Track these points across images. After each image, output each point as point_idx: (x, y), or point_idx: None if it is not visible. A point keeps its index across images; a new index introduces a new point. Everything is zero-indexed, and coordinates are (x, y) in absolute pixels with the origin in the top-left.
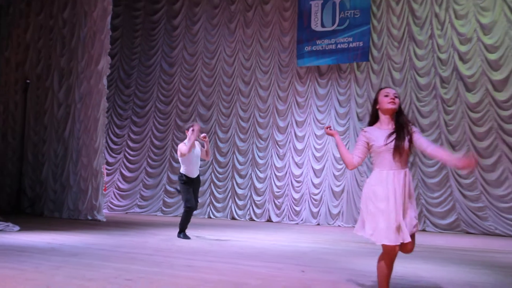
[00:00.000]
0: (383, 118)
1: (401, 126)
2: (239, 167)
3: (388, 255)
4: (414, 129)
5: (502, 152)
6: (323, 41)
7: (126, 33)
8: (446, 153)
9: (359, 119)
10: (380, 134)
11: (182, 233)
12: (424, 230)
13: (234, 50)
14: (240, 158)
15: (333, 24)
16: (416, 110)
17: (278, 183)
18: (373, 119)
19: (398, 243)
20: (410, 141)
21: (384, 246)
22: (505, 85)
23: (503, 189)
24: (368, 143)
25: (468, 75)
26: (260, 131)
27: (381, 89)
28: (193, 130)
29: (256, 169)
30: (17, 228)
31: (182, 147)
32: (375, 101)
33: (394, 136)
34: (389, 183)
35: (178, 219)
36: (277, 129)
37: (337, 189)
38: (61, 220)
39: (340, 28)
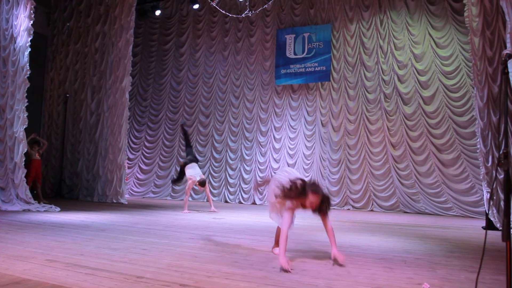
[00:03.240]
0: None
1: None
2: (230, 162)
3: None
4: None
5: (430, 151)
6: (295, 66)
7: (144, 59)
8: (331, 238)
9: (322, 125)
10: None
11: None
12: (372, 210)
13: (227, 72)
14: (231, 155)
15: (303, 53)
16: (366, 118)
17: (261, 174)
18: (301, 193)
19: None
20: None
21: None
22: (432, 100)
23: (431, 179)
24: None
25: (404, 92)
26: (247, 134)
27: (313, 190)
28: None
29: (243, 163)
30: (58, 209)
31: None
32: (304, 189)
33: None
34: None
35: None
36: (260, 133)
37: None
38: (93, 203)
39: (308, 56)
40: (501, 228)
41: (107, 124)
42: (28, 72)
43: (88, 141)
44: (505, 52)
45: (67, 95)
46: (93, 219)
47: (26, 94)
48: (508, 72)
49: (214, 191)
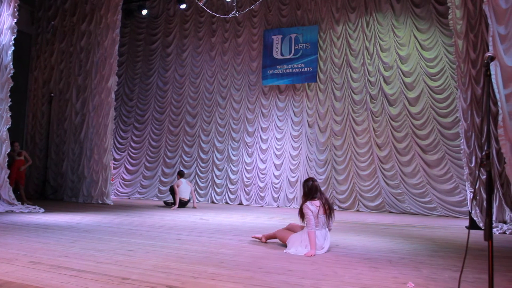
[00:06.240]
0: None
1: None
2: (217, 162)
3: None
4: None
5: (415, 151)
6: (282, 66)
7: (130, 58)
8: (312, 241)
9: (309, 126)
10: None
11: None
12: (358, 211)
13: (214, 72)
14: (218, 156)
15: (289, 54)
16: (352, 119)
17: (248, 175)
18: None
19: None
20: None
21: None
22: (417, 101)
23: (416, 179)
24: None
25: (390, 93)
26: (234, 135)
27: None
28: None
29: (230, 164)
30: (43, 210)
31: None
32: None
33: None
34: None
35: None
36: (247, 133)
37: (292, 179)
38: (78, 204)
39: (295, 56)
40: (483, 228)
41: (93, 124)
42: (12, 71)
43: (73, 141)
44: (488, 54)
45: (52, 95)
46: (78, 220)
47: (9, 93)
48: (490, 74)
49: (201, 192)
